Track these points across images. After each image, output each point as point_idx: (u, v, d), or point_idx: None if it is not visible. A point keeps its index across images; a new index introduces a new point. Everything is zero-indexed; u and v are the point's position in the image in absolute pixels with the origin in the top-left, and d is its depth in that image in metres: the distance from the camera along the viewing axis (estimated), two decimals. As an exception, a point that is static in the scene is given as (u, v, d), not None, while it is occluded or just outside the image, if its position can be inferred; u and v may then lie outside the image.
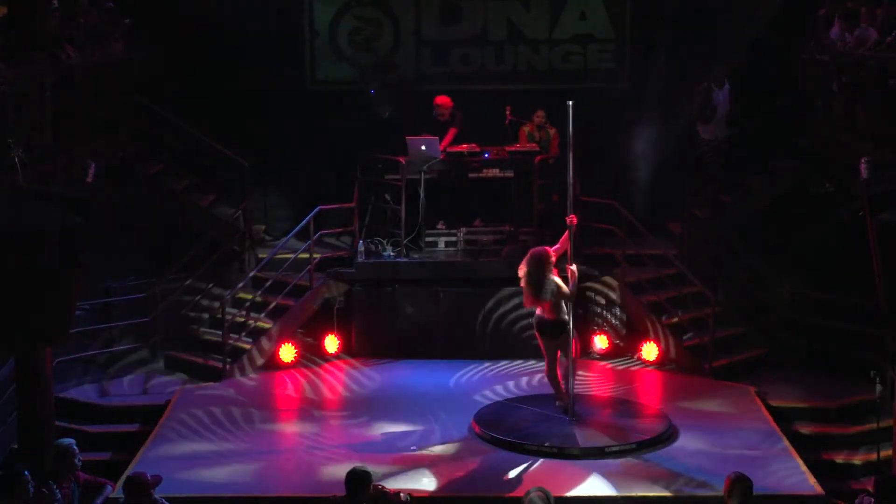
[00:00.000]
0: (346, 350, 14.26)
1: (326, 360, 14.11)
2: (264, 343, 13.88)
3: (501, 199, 14.53)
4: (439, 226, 14.58)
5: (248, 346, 13.77)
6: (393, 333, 14.19)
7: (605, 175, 15.21)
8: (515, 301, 14.12)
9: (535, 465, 10.93)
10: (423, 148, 14.28)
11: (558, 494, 10.14)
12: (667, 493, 10.38)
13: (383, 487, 8.97)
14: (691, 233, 14.88)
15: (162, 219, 14.94)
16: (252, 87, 15.59)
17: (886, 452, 11.10)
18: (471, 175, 14.54)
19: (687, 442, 11.49)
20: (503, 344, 14.17)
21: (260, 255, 14.66)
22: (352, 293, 14.25)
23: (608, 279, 14.22)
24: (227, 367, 13.50)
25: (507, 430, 11.54)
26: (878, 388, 11.42)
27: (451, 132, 14.69)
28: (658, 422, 11.83)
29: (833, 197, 14.43)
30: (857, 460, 11.82)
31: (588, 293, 14.17)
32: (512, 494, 10.19)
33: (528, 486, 8.42)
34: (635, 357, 14.06)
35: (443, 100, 14.83)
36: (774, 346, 13.92)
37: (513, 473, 10.74)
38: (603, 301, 14.35)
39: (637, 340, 14.09)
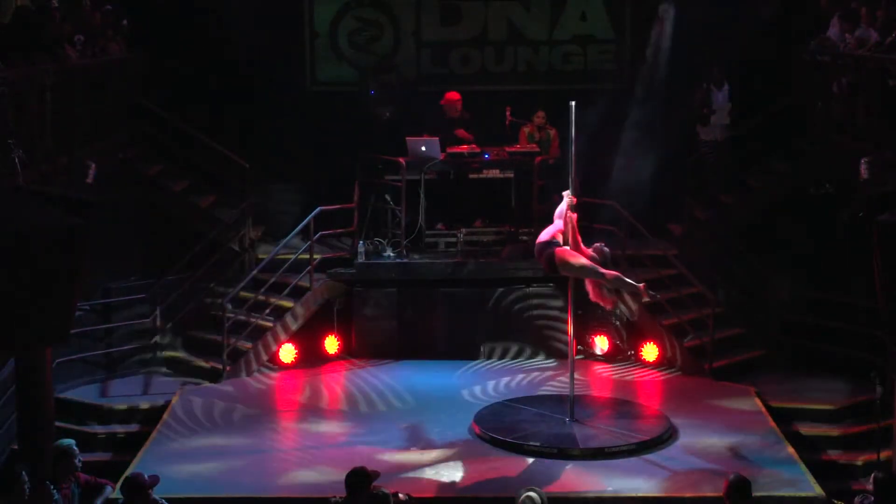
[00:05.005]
0: (346, 351, 14.26)
1: (326, 361, 14.12)
2: (264, 344, 13.88)
3: (501, 200, 14.55)
4: (439, 226, 14.59)
5: (248, 347, 13.77)
6: (393, 334, 14.19)
7: (605, 175, 15.22)
8: (515, 301, 14.17)
9: (534, 466, 10.92)
10: (423, 149, 14.29)
11: (558, 495, 10.16)
12: (667, 494, 10.38)
13: (383, 488, 8.97)
14: (691, 233, 14.88)
15: (162, 219, 14.93)
16: (252, 88, 15.60)
17: (887, 453, 11.10)
18: (471, 176, 14.54)
19: (687, 442, 11.49)
20: (503, 345, 14.18)
21: (260, 256, 14.65)
22: (352, 294, 14.25)
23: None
24: (227, 367, 13.50)
25: (507, 430, 11.54)
26: (878, 388, 11.42)
27: (462, 132, 14.68)
28: (658, 422, 11.83)
29: (833, 197, 14.43)
30: (858, 461, 11.81)
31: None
32: (511, 495, 10.16)
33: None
34: (635, 358, 14.07)
35: (456, 95, 14.79)
36: (774, 346, 13.93)
37: (512, 474, 10.73)
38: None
39: (637, 341, 14.09)
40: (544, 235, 11.19)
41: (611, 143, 15.38)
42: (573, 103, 11.37)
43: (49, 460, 9.79)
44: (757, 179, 15.14)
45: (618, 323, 14.14)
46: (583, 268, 10.91)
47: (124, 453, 11.62)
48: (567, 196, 11.21)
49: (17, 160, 9.78)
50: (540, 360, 14.09)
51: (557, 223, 11.19)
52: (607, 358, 14.10)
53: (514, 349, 14.20)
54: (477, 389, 13.15)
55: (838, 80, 13.50)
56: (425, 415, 12.34)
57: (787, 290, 14.36)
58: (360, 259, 14.19)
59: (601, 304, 11.23)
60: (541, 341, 14.19)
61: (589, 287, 11.09)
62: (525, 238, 14.24)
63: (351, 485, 8.72)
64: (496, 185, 14.56)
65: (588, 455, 11.08)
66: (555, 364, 13.85)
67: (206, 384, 13.30)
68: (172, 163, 15.23)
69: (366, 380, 13.53)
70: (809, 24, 14.52)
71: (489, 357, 14.12)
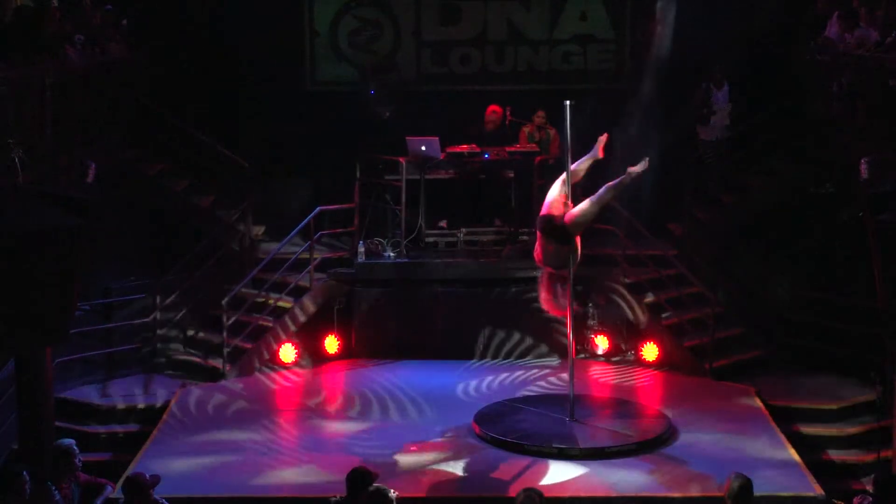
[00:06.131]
0: (347, 350, 14.26)
1: (326, 361, 14.12)
2: (264, 343, 13.88)
3: (501, 200, 14.54)
4: (440, 225, 14.59)
5: (248, 347, 13.77)
6: (393, 334, 14.19)
7: (605, 175, 15.19)
8: (515, 301, 14.16)
9: (534, 466, 10.92)
10: (423, 148, 14.28)
11: (558, 495, 10.17)
12: (667, 494, 10.37)
13: (383, 488, 8.96)
14: (691, 233, 14.88)
15: (162, 219, 14.94)
16: (252, 87, 15.61)
17: (887, 452, 11.11)
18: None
19: (687, 442, 11.48)
20: (503, 344, 14.18)
21: (260, 256, 14.66)
22: (352, 294, 14.25)
23: (609, 283, 14.22)
24: (228, 367, 13.50)
25: (507, 430, 11.53)
26: (878, 388, 11.42)
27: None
28: (658, 422, 11.83)
29: (833, 197, 14.43)
30: (858, 460, 11.81)
31: (589, 293, 14.20)
32: (512, 495, 10.17)
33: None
34: (635, 357, 14.06)
35: (500, 108, 14.79)
36: (774, 346, 13.93)
37: (512, 474, 10.73)
38: (603, 301, 14.35)
39: (637, 341, 14.09)
40: (544, 209, 11.44)
41: (610, 142, 15.34)
42: (568, 103, 11.39)
43: (49, 460, 9.80)
44: (757, 179, 15.14)
45: (618, 322, 14.18)
46: (589, 206, 11.32)
47: (124, 453, 11.62)
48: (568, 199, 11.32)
49: (17, 160, 9.79)
50: (540, 360, 14.09)
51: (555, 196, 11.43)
52: (607, 357, 14.13)
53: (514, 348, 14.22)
54: (476, 389, 13.15)
55: (838, 80, 13.50)
56: (425, 414, 12.35)
57: (787, 290, 14.37)
58: (360, 259, 14.19)
59: (553, 311, 11.61)
60: (541, 340, 14.20)
61: (543, 293, 11.47)
62: (525, 238, 14.24)
63: (351, 484, 8.72)
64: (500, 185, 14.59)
65: (588, 455, 11.08)
66: (555, 363, 13.86)
67: (206, 384, 13.30)
68: (172, 163, 15.23)
69: (366, 379, 13.53)
70: (809, 24, 14.52)
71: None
